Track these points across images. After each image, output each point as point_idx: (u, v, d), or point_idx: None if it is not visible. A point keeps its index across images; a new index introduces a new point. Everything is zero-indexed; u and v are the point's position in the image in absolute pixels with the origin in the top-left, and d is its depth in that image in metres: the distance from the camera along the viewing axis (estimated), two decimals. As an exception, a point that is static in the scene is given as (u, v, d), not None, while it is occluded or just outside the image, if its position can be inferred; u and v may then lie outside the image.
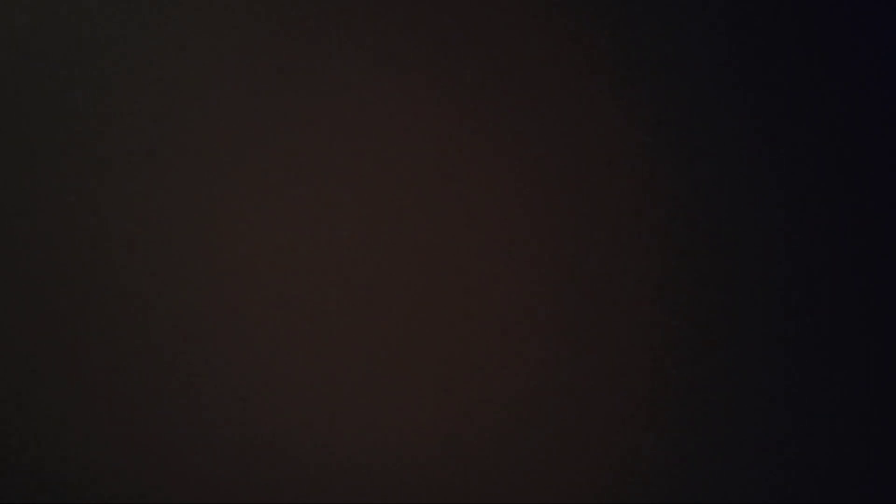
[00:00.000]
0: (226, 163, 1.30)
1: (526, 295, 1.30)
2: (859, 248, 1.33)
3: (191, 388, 1.27)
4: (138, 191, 1.29)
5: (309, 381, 1.28)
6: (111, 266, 1.28)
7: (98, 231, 1.28)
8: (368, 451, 1.28)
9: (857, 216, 1.33)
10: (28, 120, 1.29)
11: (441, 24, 1.32)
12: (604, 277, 1.31)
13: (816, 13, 1.34)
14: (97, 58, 1.30)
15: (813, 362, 1.31)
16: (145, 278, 1.28)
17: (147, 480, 1.27)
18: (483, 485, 1.29)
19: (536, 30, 1.32)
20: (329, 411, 1.28)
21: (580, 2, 1.33)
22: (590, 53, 1.33)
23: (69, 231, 1.28)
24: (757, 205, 1.32)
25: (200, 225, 1.29)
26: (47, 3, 1.30)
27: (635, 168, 1.32)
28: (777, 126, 1.33)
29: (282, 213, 1.29)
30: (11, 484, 1.26)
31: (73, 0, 1.30)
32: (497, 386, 1.29)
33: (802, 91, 1.34)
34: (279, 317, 1.28)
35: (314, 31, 1.31)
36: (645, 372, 1.30)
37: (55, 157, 1.29)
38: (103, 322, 1.27)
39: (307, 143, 1.30)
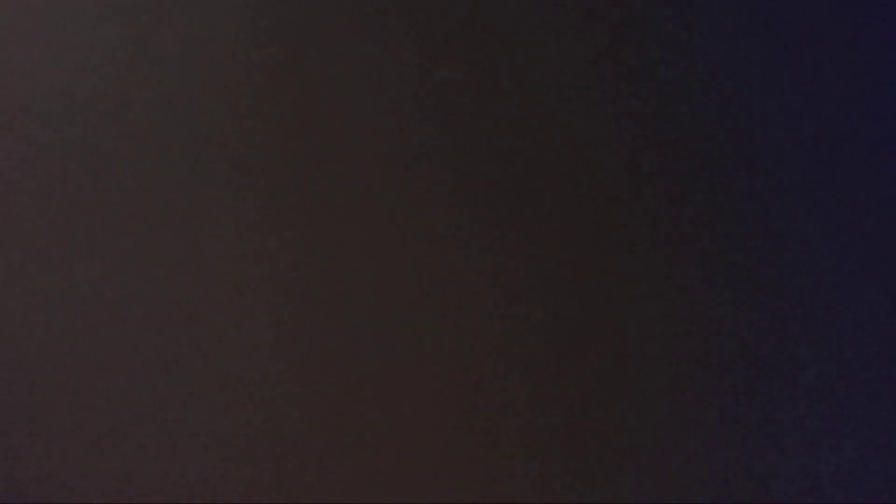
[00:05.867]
0: (223, 166, 1.30)
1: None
2: (860, 255, 1.32)
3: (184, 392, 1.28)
4: (134, 192, 1.29)
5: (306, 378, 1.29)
6: (103, 267, 1.28)
7: (94, 233, 1.29)
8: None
9: (860, 222, 1.33)
10: (24, 119, 1.29)
11: (442, 23, 1.32)
12: (603, 278, 1.31)
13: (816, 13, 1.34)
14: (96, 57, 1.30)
15: (814, 360, 1.32)
16: (138, 279, 1.28)
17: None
18: (481, 490, 1.29)
19: (536, 31, 1.32)
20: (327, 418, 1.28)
21: (580, 5, 1.33)
22: (587, 54, 1.33)
23: (66, 233, 1.28)
24: (759, 206, 1.32)
25: (195, 226, 1.29)
26: (46, 2, 1.30)
27: (636, 168, 1.32)
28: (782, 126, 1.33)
29: (278, 221, 1.29)
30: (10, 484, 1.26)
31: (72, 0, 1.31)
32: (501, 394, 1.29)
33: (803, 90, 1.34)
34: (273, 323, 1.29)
35: (314, 30, 1.31)
36: (645, 374, 1.30)
37: (53, 157, 1.29)
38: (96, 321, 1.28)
39: (304, 147, 1.31)
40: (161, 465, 1.27)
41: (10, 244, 1.29)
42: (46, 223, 1.29)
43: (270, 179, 1.30)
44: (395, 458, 1.28)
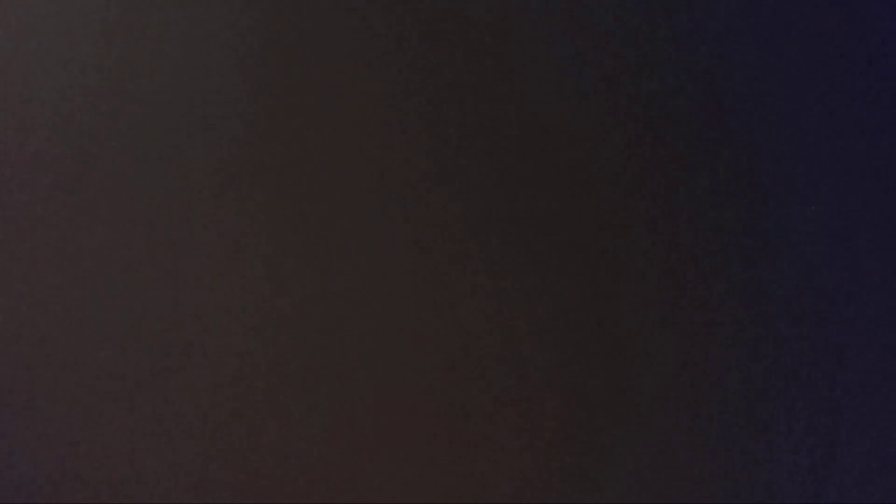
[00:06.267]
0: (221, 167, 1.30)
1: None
2: (861, 255, 1.32)
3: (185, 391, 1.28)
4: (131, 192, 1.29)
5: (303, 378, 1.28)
6: (99, 268, 1.28)
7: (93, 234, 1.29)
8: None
9: (860, 223, 1.33)
10: (26, 117, 1.29)
11: (441, 23, 1.32)
12: (600, 278, 1.31)
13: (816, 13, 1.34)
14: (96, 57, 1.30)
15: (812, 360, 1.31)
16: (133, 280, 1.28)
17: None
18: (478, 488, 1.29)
19: (535, 31, 1.32)
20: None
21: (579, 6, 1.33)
22: (586, 54, 1.32)
23: (65, 233, 1.28)
24: (762, 207, 1.32)
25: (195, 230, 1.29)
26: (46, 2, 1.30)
27: (633, 167, 1.32)
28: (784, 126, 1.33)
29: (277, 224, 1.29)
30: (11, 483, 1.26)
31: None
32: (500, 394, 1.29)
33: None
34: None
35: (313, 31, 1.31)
36: (643, 375, 1.30)
37: (52, 156, 1.29)
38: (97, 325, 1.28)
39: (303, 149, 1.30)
40: (161, 465, 1.27)
41: (10, 244, 1.29)
42: (47, 223, 1.29)
43: (269, 180, 1.30)
44: (395, 458, 1.28)
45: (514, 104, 1.32)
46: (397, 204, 1.30)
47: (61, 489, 1.27)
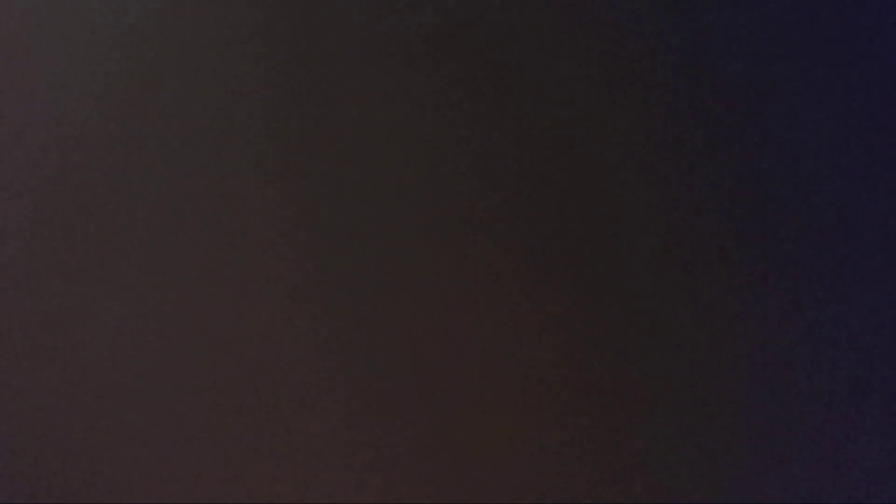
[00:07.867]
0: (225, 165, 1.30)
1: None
2: (862, 256, 1.32)
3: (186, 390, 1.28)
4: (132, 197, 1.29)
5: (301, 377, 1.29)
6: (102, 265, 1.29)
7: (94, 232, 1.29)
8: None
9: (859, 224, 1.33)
10: (27, 118, 1.29)
11: (443, 22, 1.32)
12: (602, 277, 1.31)
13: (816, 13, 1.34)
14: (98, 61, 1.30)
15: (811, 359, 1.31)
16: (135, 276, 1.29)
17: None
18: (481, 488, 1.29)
19: (536, 28, 1.33)
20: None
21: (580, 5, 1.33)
22: (587, 56, 1.33)
23: (69, 233, 1.29)
24: (762, 209, 1.32)
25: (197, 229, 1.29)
26: (48, 3, 1.30)
27: (635, 168, 1.32)
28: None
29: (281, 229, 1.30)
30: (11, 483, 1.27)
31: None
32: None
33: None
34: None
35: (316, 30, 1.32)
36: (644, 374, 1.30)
37: (55, 156, 1.29)
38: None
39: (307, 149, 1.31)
40: (162, 465, 1.27)
41: (12, 245, 1.29)
42: (49, 224, 1.29)
43: (274, 180, 1.30)
44: (396, 458, 1.28)
45: (516, 103, 1.32)
46: (400, 204, 1.30)
47: (61, 489, 1.27)
